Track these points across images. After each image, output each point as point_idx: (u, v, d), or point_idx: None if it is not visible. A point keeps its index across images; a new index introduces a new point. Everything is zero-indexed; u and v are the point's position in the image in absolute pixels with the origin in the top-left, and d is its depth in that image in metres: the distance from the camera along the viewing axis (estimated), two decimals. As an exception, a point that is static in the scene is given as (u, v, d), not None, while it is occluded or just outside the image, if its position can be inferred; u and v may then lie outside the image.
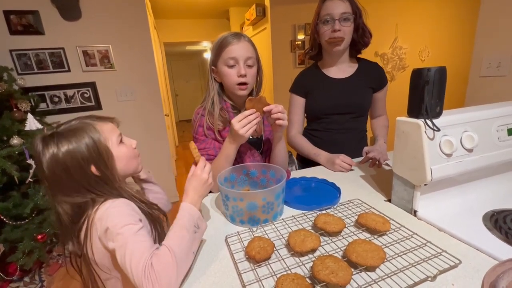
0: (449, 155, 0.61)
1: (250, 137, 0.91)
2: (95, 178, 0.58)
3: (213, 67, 0.89)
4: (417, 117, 0.61)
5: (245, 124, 0.74)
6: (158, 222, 0.67)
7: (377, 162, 0.96)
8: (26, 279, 1.61)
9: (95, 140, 0.57)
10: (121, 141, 0.64)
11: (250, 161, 0.92)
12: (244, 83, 0.85)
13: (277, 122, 0.78)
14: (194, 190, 0.59)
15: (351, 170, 0.98)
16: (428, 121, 0.58)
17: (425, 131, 0.58)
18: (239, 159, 0.91)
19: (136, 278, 0.44)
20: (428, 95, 0.58)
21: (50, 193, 0.58)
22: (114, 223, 0.51)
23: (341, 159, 0.97)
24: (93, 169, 0.57)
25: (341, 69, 1.11)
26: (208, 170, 0.63)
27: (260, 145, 0.99)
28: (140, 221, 0.54)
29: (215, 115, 0.88)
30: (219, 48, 0.85)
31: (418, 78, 0.59)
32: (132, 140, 0.67)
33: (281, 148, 0.91)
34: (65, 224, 0.58)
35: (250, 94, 0.94)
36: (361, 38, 1.04)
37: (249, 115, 0.75)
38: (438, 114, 0.61)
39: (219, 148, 0.88)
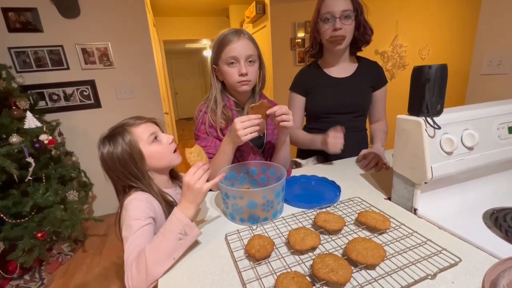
0: (449, 153, 0.60)
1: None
2: (128, 174, 0.69)
3: (214, 65, 0.88)
4: (417, 115, 0.60)
5: (247, 126, 0.72)
6: None
7: (373, 165, 0.94)
8: (26, 277, 1.62)
9: (127, 143, 0.69)
10: (155, 139, 0.73)
11: (251, 159, 0.92)
12: (245, 81, 0.85)
13: (282, 123, 0.76)
14: (184, 197, 0.59)
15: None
16: (429, 119, 0.58)
17: (425, 129, 0.58)
18: (240, 157, 0.90)
19: (125, 266, 0.53)
20: (429, 93, 0.58)
21: (110, 179, 0.72)
22: (130, 214, 0.61)
23: (332, 135, 0.93)
24: (122, 169, 0.69)
25: (341, 68, 1.10)
26: (197, 177, 0.59)
27: (262, 144, 0.98)
28: (151, 218, 0.63)
29: (218, 113, 0.87)
30: (219, 47, 0.84)
31: (419, 75, 0.58)
32: (169, 136, 0.76)
33: (285, 152, 0.90)
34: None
35: (253, 90, 0.94)
36: (362, 35, 1.03)
37: (254, 119, 0.73)
38: (439, 112, 0.60)
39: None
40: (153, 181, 0.72)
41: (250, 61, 0.84)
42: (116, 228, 0.68)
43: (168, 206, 0.71)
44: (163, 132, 0.78)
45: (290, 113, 0.76)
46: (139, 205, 0.64)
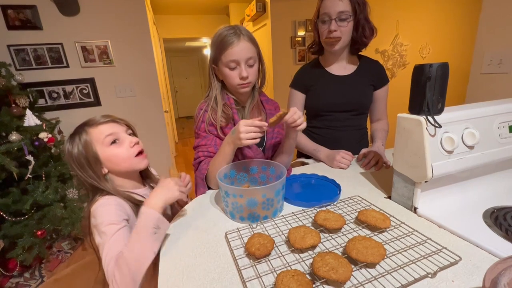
0: (450, 152, 0.60)
1: None
2: (87, 176, 0.67)
3: (214, 65, 0.87)
4: (418, 113, 0.60)
5: (250, 131, 0.72)
6: None
7: (373, 164, 0.95)
8: (26, 274, 1.62)
9: (83, 144, 0.67)
10: (114, 141, 0.69)
11: (251, 156, 0.91)
12: (244, 85, 0.84)
13: (296, 128, 0.77)
14: (155, 193, 0.60)
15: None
16: (430, 118, 0.58)
17: (426, 128, 0.58)
18: (239, 155, 0.90)
19: (106, 275, 0.52)
20: (429, 92, 0.57)
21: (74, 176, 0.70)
22: (101, 221, 0.59)
23: (342, 155, 0.97)
24: (81, 171, 0.67)
25: (342, 66, 1.10)
26: (177, 182, 0.63)
27: (262, 141, 0.97)
28: (125, 221, 0.62)
29: (218, 112, 0.87)
30: (219, 48, 0.82)
31: (420, 74, 0.58)
32: (133, 138, 0.71)
33: (290, 150, 0.91)
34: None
35: (253, 88, 0.93)
36: (360, 37, 1.02)
37: (258, 125, 0.72)
38: (439, 111, 0.60)
39: (220, 146, 0.86)
40: (113, 185, 0.69)
41: (250, 64, 0.83)
42: (88, 237, 0.65)
43: (137, 206, 0.68)
44: (133, 134, 0.75)
45: (301, 117, 0.76)
46: (109, 209, 0.62)
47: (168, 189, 0.61)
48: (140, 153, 0.73)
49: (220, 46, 0.81)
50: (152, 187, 0.82)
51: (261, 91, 0.99)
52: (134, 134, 0.76)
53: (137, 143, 0.72)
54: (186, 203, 0.78)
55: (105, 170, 0.70)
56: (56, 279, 0.80)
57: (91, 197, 0.68)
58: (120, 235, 0.57)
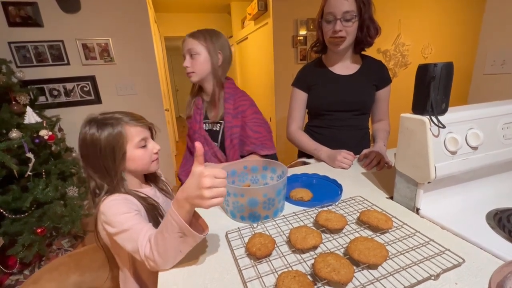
0: (453, 153, 0.60)
1: (208, 128, 1.08)
2: (102, 167, 0.67)
3: None
4: (422, 113, 0.60)
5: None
6: (156, 210, 0.73)
7: (374, 164, 0.94)
8: (26, 272, 1.62)
9: (115, 137, 0.66)
10: (143, 146, 0.72)
11: (210, 156, 1.04)
12: (188, 73, 1.01)
13: None
14: (184, 191, 0.48)
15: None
16: (434, 118, 0.57)
17: (430, 128, 0.57)
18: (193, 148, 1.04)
19: (139, 257, 0.52)
20: (434, 91, 0.57)
21: (83, 165, 0.69)
22: (114, 213, 0.60)
23: (343, 155, 0.96)
24: (102, 161, 0.66)
25: (345, 66, 1.09)
26: (216, 184, 0.46)
27: (217, 138, 1.06)
28: (137, 211, 0.62)
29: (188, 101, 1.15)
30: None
31: (424, 73, 0.57)
32: (157, 146, 0.75)
33: None
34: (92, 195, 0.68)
35: (216, 80, 1.04)
36: (365, 37, 1.01)
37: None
38: (443, 111, 0.60)
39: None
40: (123, 183, 0.70)
41: (192, 54, 0.98)
42: (95, 236, 0.68)
43: (143, 201, 0.70)
44: (153, 138, 0.78)
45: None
46: (119, 203, 0.62)
47: (200, 198, 0.46)
48: (156, 159, 0.76)
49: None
50: (158, 188, 0.84)
51: (227, 84, 1.07)
52: (153, 137, 0.79)
53: (159, 151, 0.76)
54: None
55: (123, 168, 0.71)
56: (70, 255, 0.86)
57: (94, 195, 0.68)
58: (140, 220, 0.58)
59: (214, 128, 1.06)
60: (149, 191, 0.78)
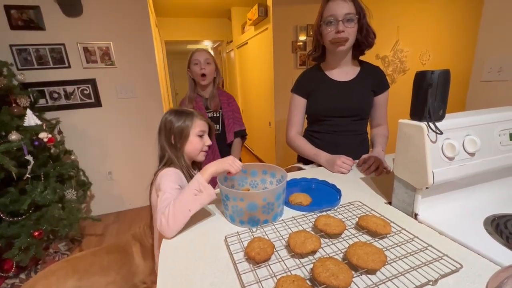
0: (451, 159, 0.60)
1: (211, 115, 1.49)
2: (170, 143, 0.93)
3: (188, 69, 1.48)
4: (419, 119, 0.60)
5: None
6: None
7: (373, 169, 0.95)
8: (22, 275, 1.60)
9: (186, 123, 0.93)
10: (200, 136, 0.96)
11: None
12: (204, 74, 1.42)
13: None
14: (209, 165, 0.71)
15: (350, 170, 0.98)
16: (431, 124, 0.58)
17: (427, 134, 0.58)
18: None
19: (157, 215, 0.65)
20: (431, 98, 0.58)
21: (159, 139, 0.95)
22: (163, 181, 0.77)
23: (342, 160, 0.97)
24: (172, 138, 0.93)
25: (343, 71, 1.11)
26: (231, 159, 0.73)
27: (218, 121, 1.49)
28: (179, 185, 0.78)
29: (186, 99, 1.50)
30: (189, 58, 1.47)
31: (422, 80, 0.58)
32: (209, 140, 0.99)
33: None
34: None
35: (214, 84, 1.50)
36: (365, 38, 1.03)
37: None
38: (441, 117, 0.60)
39: None
40: (183, 158, 0.93)
41: (208, 63, 1.43)
42: (148, 191, 0.90)
43: (190, 178, 0.85)
44: (210, 135, 1.01)
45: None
46: (170, 174, 0.81)
47: (220, 162, 0.72)
48: (205, 151, 0.99)
49: (190, 56, 1.47)
50: None
51: (219, 87, 1.54)
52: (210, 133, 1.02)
53: (210, 145, 0.99)
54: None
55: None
56: (67, 259, 0.90)
57: (159, 166, 0.92)
58: (173, 194, 0.71)
59: (216, 115, 1.50)
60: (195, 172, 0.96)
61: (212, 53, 1.36)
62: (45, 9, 1.94)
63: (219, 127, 1.50)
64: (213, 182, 0.70)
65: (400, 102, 2.00)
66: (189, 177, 0.89)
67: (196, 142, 0.95)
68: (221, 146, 1.51)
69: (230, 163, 0.71)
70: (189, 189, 0.66)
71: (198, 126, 0.95)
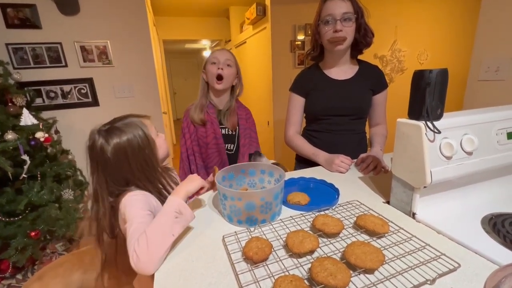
0: (449, 158, 0.60)
1: (225, 132, 1.22)
2: (145, 162, 0.73)
3: (203, 69, 1.21)
4: (418, 119, 0.60)
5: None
6: None
7: (371, 168, 0.95)
8: (19, 276, 1.59)
9: (145, 132, 0.74)
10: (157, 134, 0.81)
11: (218, 160, 1.18)
12: (221, 76, 1.13)
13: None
14: (180, 185, 0.67)
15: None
16: (429, 123, 0.58)
17: (425, 133, 0.58)
18: (206, 158, 1.18)
19: (129, 253, 0.54)
20: (429, 97, 0.58)
21: (103, 181, 0.71)
22: (128, 210, 0.64)
23: (341, 159, 0.97)
24: (146, 153, 0.73)
25: (342, 70, 1.10)
26: (199, 177, 0.70)
27: (234, 140, 1.23)
28: (150, 211, 0.66)
29: (197, 106, 1.19)
30: (208, 57, 1.18)
31: (420, 79, 0.58)
32: (161, 133, 0.83)
33: None
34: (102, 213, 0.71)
35: (232, 93, 1.24)
36: (363, 38, 1.03)
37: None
38: (439, 116, 0.60)
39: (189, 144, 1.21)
40: (164, 175, 0.79)
41: (228, 65, 1.15)
42: (118, 225, 0.72)
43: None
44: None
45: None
46: (137, 200, 0.68)
47: (191, 181, 0.68)
48: None
49: (210, 55, 1.18)
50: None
51: (238, 99, 1.27)
52: None
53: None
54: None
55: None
56: (73, 253, 0.90)
57: (115, 195, 0.73)
58: (144, 222, 0.61)
59: (232, 133, 1.23)
60: None
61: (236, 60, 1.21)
62: (41, 8, 1.92)
63: (233, 147, 1.25)
64: None
65: (398, 102, 2.01)
66: (162, 196, 0.76)
67: (161, 142, 0.80)
68: None
69: (200, 181, 0.69)
70: (168, 212, 0.58)
71: (151, 126, 0.79)
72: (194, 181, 0.68)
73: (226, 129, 1.22)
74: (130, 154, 0.70)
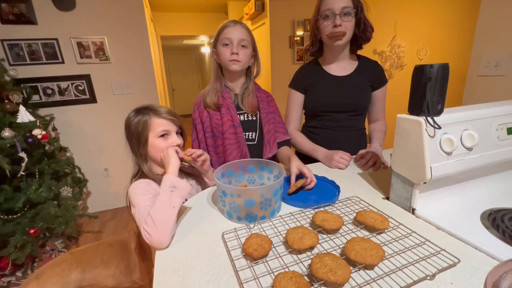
0: (449, 153, 0.60)
1: (244, 119, 1.04)
2: (135, 148, 0.82)
3: (214, 49, 1.00)
4: (418, 114, 0.60)
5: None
6: None
7: (370, 164, 0.94)
8: (19, 273, 1.59)
9: (141, 124, 0.80)
10: (163, 136, 0.82)
11: (237, 153, 1.00)
12: (235, 61, 0.95)
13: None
14: (166, 167, 0.74)
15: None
16: (429, 119, 0.58)
17: (426, 129, 0.58)
18: (223, 152, 1.01)
19: (142, 234, 0.60)
20: (430, 92, 0.57)
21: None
22: (132, 199, 0.72)
23: (340, 155, 0.97)
24: (132, 141, 0.82)
25: (341, 66, 1.10)
26: (171, 149, 0.78)
27: (255, 126, 1.04)
28: (152, 195, 0.72)
29: (210, 91, 1.02)
30: (218, 32, 0.96)
31: (421, 74, 0.58)
32: (178, 140, 0.84)
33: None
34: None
35: (249, 75, 1.04)
36: (363, 32, 1.02)
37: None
38: (439, 112, 0.60)
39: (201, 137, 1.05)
40: (149, 166, 0.83)
41: (243, 46, 0.95)
42: (129, 210, 0.78)
43: None
44: (181, 135, 0.88)
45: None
46: (139, 187, 0.75)
47: (169, 158, 0.74)
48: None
49: (220, 30, 0.96)
50: (193, 179, 0.95)
51: (255, 82, 1.08)
52: (182, 133, 0.89)
53: (178, 145, 0.84)
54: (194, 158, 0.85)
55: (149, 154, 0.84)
56: (71, 252, 0.90)
57: (133, 175, 0.86)
58: (148, 205, 0.66)
59: (251, 118, 1.04)
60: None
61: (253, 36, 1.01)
62: (36, 3, 1.89)
63: (255, 135, 1.05)
64: None
65: (397, 98, 2.00)
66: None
67: (158, 145, 0.81)
68: None
69: (172, 151, 0.76)
70: (164, 189, 0.65)
71: (157, 125, 0.80)
72: (169, 157, 0.74)
73: (245, 114, 1.03)
74: (127, 130, 0.82)
